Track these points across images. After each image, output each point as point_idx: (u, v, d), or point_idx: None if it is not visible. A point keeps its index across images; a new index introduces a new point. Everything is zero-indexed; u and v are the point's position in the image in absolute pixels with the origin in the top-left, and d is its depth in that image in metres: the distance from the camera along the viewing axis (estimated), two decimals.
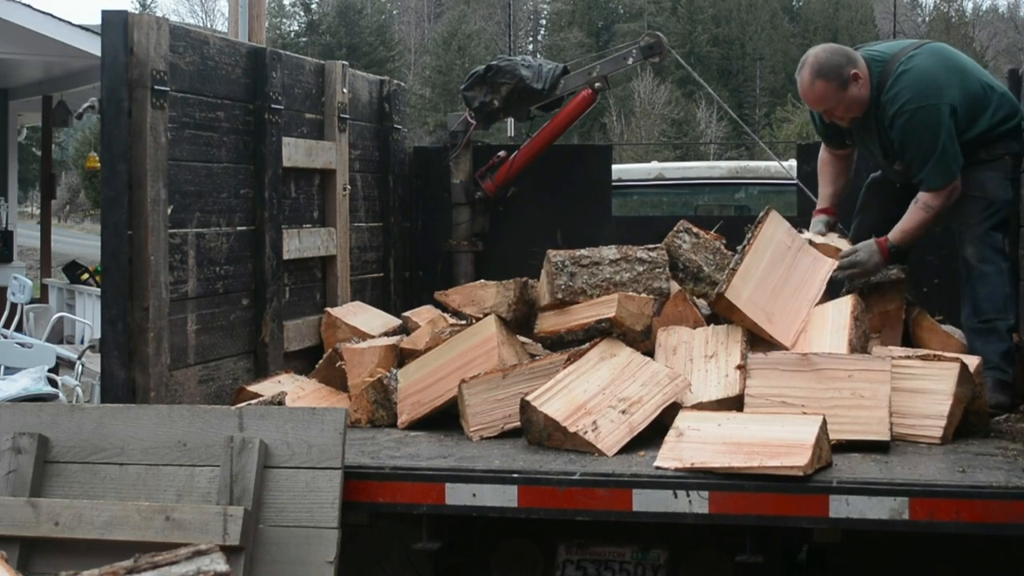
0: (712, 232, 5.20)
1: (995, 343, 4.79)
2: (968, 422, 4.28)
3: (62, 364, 9.31)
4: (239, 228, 5.05)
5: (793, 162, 6.75)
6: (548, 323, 4.75)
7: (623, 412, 4.11)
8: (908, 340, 5.03)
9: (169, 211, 4.53)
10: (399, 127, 6.65)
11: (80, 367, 8.58)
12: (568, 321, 4.67)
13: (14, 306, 12.23)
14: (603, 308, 4.57)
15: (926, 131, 4.79)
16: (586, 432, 4.00)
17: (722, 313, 4.59)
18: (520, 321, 4.87)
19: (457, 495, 3.82)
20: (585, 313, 4.63)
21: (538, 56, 7.46)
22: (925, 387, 4.18)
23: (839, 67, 4.88)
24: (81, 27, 12.49)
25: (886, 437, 4.01)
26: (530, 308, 4.91)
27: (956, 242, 4.98)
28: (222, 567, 3.45)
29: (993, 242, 4.88)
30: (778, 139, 38.50)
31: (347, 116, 5.95)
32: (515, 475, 3.80)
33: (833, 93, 4.89)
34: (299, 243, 5.49)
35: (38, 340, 9.78)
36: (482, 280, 5.04)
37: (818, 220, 5.25)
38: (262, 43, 11.01)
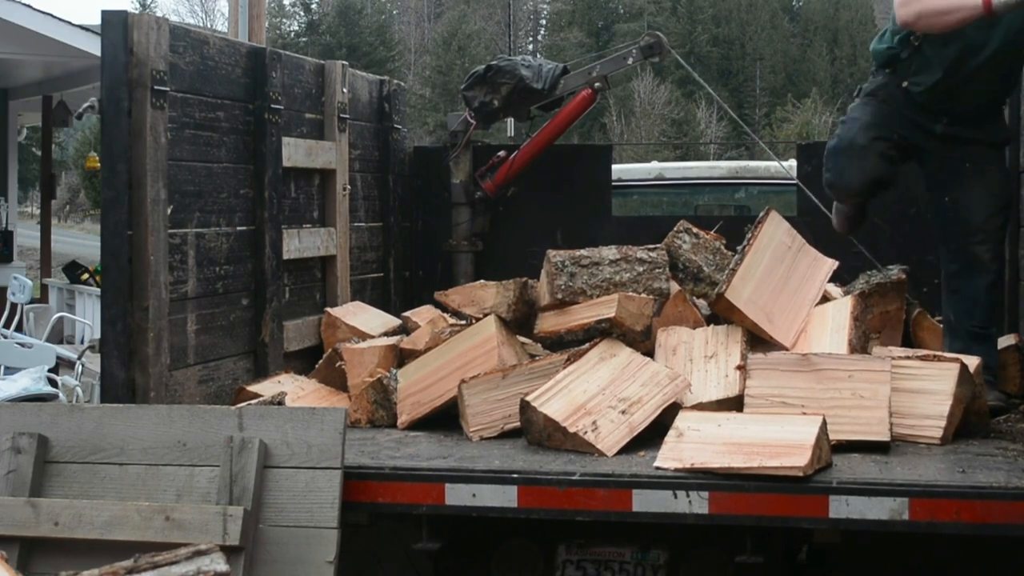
0: (712, 232, 5.20)
1: (992, 351, 4.73)
2: (968, 422, 4.28)
3: (62, 364, 9.30)
4: (239, 228, 5.05)
5: (793, 162, 6.75)
6: (548, 323, 4.75)
7: (623, 412, 4.11)
8: (908, 340, 5.03)
9: (169, 211, 4.53)
10: (399, 127, 6.65)
11: (80, 367, 8.57)
12: (568, 321, 4.66)
13: (14, 306, 12.23)
14: (603, 308, 4.57)
15: None
16: (586, 432, 4.00)
17: (722, 313, 4.59)
18: (520, 321, 4.87)
19: (457, 495, 3.81)
20: (585, 313, 4.63)
21: (538, 56, 7.46)
22: (925, 387, 4.18)
23: None
24: (81, 27, 12.48)
25: (886, 437, 4.00)
26: (530, 308, 4.90)
27: (958, 236, 4.71)
28: (222, 567, 3.45)
29: (1002, 239, 4.79)
30: (778, 139, 38.51)
31: (347, 116, 5.95)
32: (515, 475, 3.80)
33: None
34: (299, 243, 5.49)
35: (38, 340, 9.78)
36: (482, 280, 5.04)
37: None
38: (262, 43, 11.01)
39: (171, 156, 4.55)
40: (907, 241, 5.40)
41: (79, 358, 8.65)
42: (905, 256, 5.30)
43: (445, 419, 4.50)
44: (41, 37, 12.22)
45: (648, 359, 4.44)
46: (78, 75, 13.49)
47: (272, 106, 5.20)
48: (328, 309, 5.66)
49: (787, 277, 4.69)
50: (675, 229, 5.13)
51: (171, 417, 3.96)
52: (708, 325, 4.71)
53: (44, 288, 15.04)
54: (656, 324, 4.71)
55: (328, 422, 3.86)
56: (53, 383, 7.95)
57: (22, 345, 9.00)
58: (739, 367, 4.31)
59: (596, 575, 4.06)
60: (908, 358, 4.33)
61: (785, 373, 4.17)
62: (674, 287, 4.92)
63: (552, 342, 4.75)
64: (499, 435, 4.31)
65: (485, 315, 4.71)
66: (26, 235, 19.35)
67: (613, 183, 6.85)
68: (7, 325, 11.79)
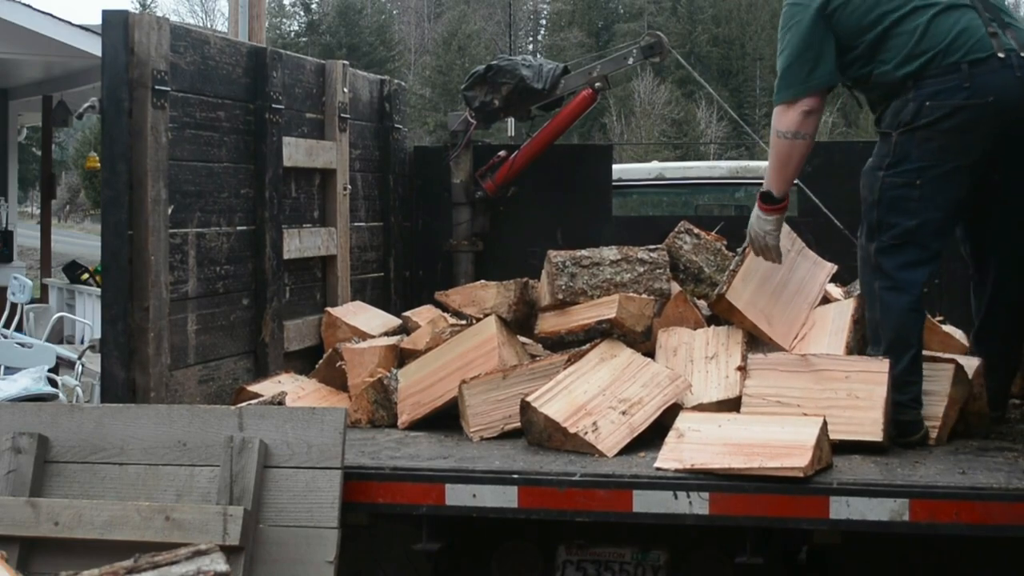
0: (713, 233, 5.20)
1: None
2: (968, 423, 4.28)
3: (62, 364, 9.30)
4: (239, 228, 5.05)
5: None
6: (548, 324, 4.75)
7: (623, 413, 4.11)
8: None
9: (169, 211, 4.53)
10: (399, 127, 6.64)
11: (80, 367, 8.57)
12: (569, 322, 4.66)
13: (14, 306, 12.23)
14: (604, 309, 4.57)
15: None
16: (586, 433, 4.00)
17: (722, 314, 4.59)
18: (520, 321, 4.87)
19: (457, 496, 3.81)
20: (586, 314, 4.63)
21: (538, 56, 7.46)
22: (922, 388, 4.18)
23: None
24: (81, 27, 12.49)
25: (879, 438, 3.99)
26: (530, 309, 4.90)
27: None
28: (222, 567, 3.45)
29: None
30: None
31: (348, 116, 5.95)
32: (515, 476, 3.80)
33: None
34: (299, 243, 5.49)
35: (38, 340, 9.77)
36: (482, 280, 5.04)
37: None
38: (262, 43, 11.01)
39: (172, 156, 4.55)
40: None
41: (79, 358, 8.64)
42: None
43: (445, 419, 4.50)
44: (41, 37, 12.22)
45: (649, 360, 4.44)
46: (78, 75, 13.50)
47: (273, 106, 5.19)
48: (328, 309, 5.66)
49: (787, 280, 4.70)
50: (676, 230, 5.12)
51: (171, 417, 3.96)
52: (709, 326, 4.71)
53: (44, 288, 15.04)
54: (657, 325, 4.71)
55: (328, 422, 3.85)
56: (53, 383, 7.95)
57: (22, 345, 9.00)
58: (740, 368, 4.30)
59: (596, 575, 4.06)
60: None
61: (783, 373, 4.17)
62: (675, 288, 4.92)
63: (553, 342, 4.75)
64: (499, 435, 4.31)
65: (486, 315, 4.71)
66: (26, 235, 19.35)
67: (613, 183, 6.84)
68: (7, 325, 11.79)
